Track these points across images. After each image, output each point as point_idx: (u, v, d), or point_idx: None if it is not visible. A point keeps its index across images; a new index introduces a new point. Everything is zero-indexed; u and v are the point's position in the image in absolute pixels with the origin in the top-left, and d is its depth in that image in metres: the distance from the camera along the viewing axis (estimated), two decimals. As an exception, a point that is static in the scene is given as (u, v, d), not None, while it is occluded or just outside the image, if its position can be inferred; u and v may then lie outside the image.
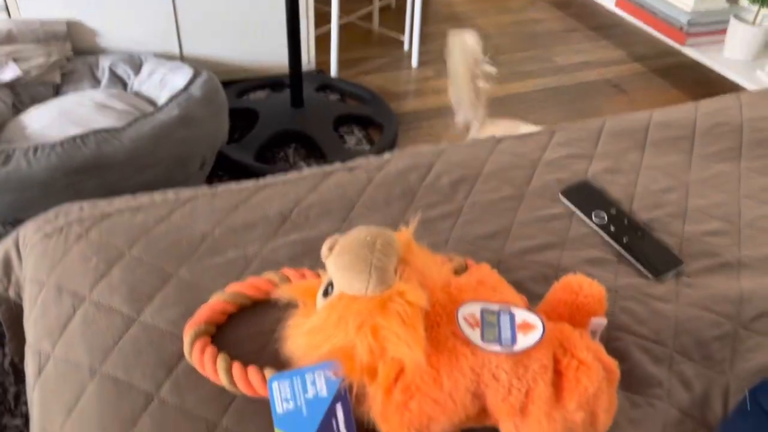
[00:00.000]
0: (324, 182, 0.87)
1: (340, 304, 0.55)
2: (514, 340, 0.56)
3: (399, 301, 0.54)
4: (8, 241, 0.81)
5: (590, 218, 0.85)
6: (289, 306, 0.64)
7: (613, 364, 0.59)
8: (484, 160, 0.94)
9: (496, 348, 0.55)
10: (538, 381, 0.56)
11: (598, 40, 2.89)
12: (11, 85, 1.90)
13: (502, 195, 0.88)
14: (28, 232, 0.80)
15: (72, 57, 2.02)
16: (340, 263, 0.56)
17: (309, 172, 0.90)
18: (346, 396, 0.56)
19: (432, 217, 0.83)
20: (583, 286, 0.64)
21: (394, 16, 2.93)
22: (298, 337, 0.58)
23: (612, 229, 0.83)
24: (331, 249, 0.58)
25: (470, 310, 0.58)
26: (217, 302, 0.67)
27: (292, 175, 0.90)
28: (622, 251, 0.80)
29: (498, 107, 2.37)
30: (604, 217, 0.84)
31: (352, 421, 0.56)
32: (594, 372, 0.56)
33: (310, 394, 0.56)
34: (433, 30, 2.89)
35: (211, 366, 0.61)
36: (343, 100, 2.37)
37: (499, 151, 0.96)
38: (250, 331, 0.66)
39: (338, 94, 2.39)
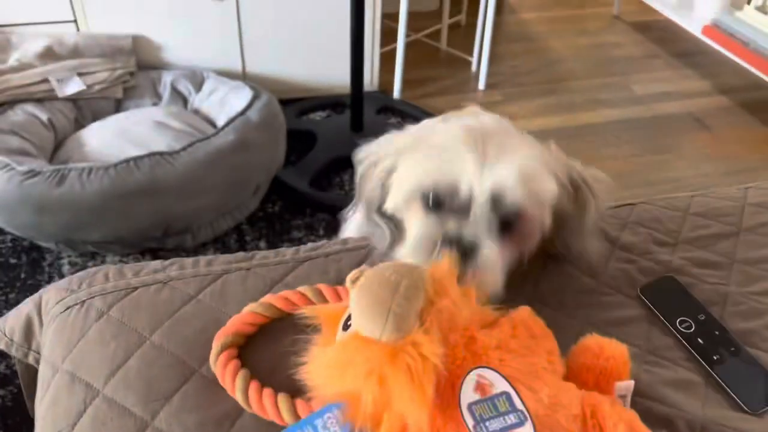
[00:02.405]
0: (371, 257, 0.79)
1: (351, 345, 0.52)
2: None
3: (411, 352, 0.49)
4: (30, 305, 0.77)
5: (673, 325, 0.73)
6: (311, 327, 0.61)
7: None
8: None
9: (469, 422, 0.50)
10: None
11: (681, 68, 2.70)
12: (74, 100, 1.90)
13: (572, 287, 0.77)
14: (50, 299, 0.75)
15: (135, 72, 2.01)
16: (359, 302, 0.52)
17: (354, 244, 0.81)
18: None
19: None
20: (603, 347, 0.61)
21: (463, 34, 2.82)
22: (315, 368, 0.54)
23: (699, 341, 0.71)
24: (354, 282, 0.55)
25: (493, 379, 0.52)
26: (248, 314, 0.68)
27: (335, 244, 0.82)
28: (712, 372, 0.69)
29: (568, 139, 2.24)
30: (690, 325, 0.73)
31: None
32: None
33: None
34: (503, 50, 2.77)
35: (230, 381, 0.62)
36: (404, 123, 2.29)
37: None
38: (275, 347, 0.66)
39: (399, 117, 2.31)
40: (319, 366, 0.53)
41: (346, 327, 0.54)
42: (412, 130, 0.77)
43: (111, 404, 0.62)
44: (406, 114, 2.30)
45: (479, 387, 0.51)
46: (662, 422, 0.62)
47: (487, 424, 0.49)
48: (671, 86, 2.57)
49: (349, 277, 0.58)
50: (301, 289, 0.70)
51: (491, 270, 0.65)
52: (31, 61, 1.88)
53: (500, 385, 0.51)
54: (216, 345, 0.65)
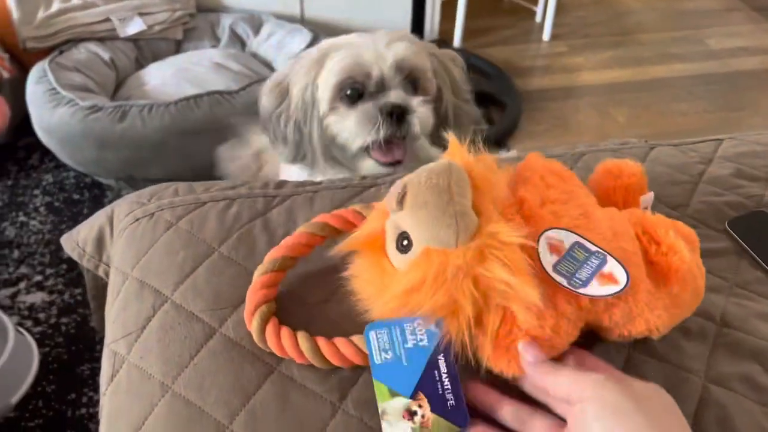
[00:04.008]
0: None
1: (433, 260, 0.49)
2: (586, 283, 0.50)
3: (495, 244, 0.48)
4: (102, 218, 0.77)
5: (765, 260, 0.68)
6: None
7: (692, 232, 0.58)
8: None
9: (563, 281, 0.49)
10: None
11: (763, 22, 2.54)
12: (135, 40, 1.91)
13: (653, 218, 0.73)
14: (122, 212, 0.75)
15: (195, 14, 2.00)
16: (420, 218, 0.49)
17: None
18: (448, 347, 0.51)
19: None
20: (622, 168, 0.64)
21: (528, -17, 2.71)
22: (388, 301, 0.51)
23: (794, 277, 0.66)
24: (400, 202, 0.50)
25: (560, 236, 0.51)
26: (302, 234, 0.64)
27: (400, 170, 0.79)
28: (808, 309, 0.64)
29: (637, 92, 2.14)
30: (784, 261, 0.68)
31: (456, 373, 0.51)
32: (683, 252, 0.53)
33: (410, 343, 0.53)
34: (569, 0, 2.65)
35: (293, 350, 0.56)
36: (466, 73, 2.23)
37: (653, 160, 0.81)
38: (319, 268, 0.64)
39: (459, 67, 2.25)
40: (400, 295, 0.50)
41: (403, 248, 0.51)
42: (313, 50, 0.94)
43: (179, 310, 0.61)
44: (467, 64, 2.23)
45: (552, 248, 0.51)
46: (754, 355, 0.58)
47: (577, 276, 0.50)
48: (750, 41, 2.42)
49: (392, 196, 0.51)
50: (355, 206, 0.66)
51: (425, 119, 0.87)
52: (94, 0, 1.89)
53: (568, 238, 0.51)
54: (254, 320, 0.58)
